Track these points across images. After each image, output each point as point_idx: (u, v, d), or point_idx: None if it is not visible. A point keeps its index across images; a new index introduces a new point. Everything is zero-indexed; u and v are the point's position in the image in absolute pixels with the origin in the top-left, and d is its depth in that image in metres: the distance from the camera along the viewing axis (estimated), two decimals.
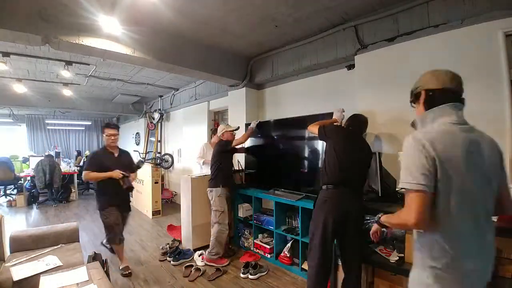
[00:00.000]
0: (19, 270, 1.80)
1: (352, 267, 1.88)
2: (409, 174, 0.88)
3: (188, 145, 5.50)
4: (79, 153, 8.49)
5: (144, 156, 6.64)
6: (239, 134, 3.28)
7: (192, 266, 2.70)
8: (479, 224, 0.89)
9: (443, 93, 0.98)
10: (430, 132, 0.92)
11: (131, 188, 2.57)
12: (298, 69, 3.18)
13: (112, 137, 2.62)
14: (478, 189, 0.89)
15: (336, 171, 1.86)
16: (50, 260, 1.97)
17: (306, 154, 2.87)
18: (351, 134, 2.06)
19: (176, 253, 2.92)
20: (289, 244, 2.77)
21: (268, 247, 2.95)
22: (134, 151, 7.33)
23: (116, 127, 2.70)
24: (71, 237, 2.43)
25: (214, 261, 2.78)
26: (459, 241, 0.88)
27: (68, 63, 3.75)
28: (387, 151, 2.37)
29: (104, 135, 2.61)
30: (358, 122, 2.13)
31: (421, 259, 0.94)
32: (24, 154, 7.67)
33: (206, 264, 2.79)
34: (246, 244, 3.25)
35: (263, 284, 2.47)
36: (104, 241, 2.98)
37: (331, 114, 2.50)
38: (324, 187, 1.90)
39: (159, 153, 6.55)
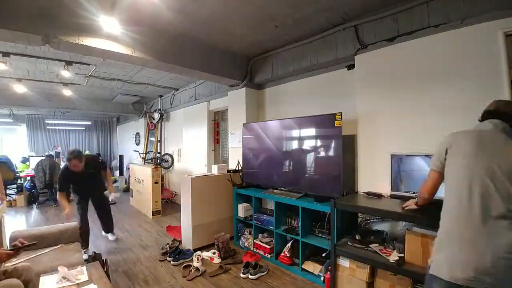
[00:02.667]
0: None
1: None
2: None
3: (188, 145, 5.51)
4: None
5: (144, 156, 6.64)
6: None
7: (191, 266, 2.70)
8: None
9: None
10: None
11: None
12: (298, 69, 3.18)
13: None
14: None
15: None
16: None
17: (305, 154, 2.87)
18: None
19: (176, 253, 2.92)
20: (289, 244, 2.77)
21: (268, 247, 2.95)
22: (134, 151, 7.36)
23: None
24: (71, 237, 2.43)
25: None
26: None
27: (68, 63, 3.75)
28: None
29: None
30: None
31: None
32: (24, 154, 7.69)
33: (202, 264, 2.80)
34: (246, 244, 3.25)
35: (263, 284, 2.47)
36: None
37: (331, 115, 2.50)
38: None
39: (159, 153, 6.55)
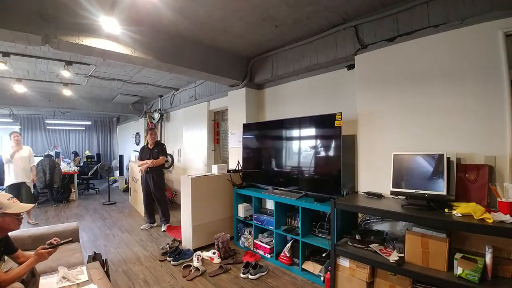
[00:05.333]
0: None
1: None
2: None
3: (188, 145, 5.51)
4: (76, 154, 8.58)
5: None
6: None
7: (191, 266, 2.70)
8: None
9: None
10: None
11: None
12: (298, 69, 3.18)
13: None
14: None
15: None
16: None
17: (305, 154, 2.87)
18: None
19: (176, 253, 2.92)
20: (289, 244, 2.77)
21: (268, 247, 2.95)
22: (134, 151, 7.36)
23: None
24: (71, 237, 2.42)
25: None
26: None
27: (68, 63, 3.75)
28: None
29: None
30: None
31: None
32: None
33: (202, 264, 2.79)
34: (246, 244, 3.25)
35: (263, 284, 2.47)
36: None
37: (331, 115, 2.50)
38: None
39: None
